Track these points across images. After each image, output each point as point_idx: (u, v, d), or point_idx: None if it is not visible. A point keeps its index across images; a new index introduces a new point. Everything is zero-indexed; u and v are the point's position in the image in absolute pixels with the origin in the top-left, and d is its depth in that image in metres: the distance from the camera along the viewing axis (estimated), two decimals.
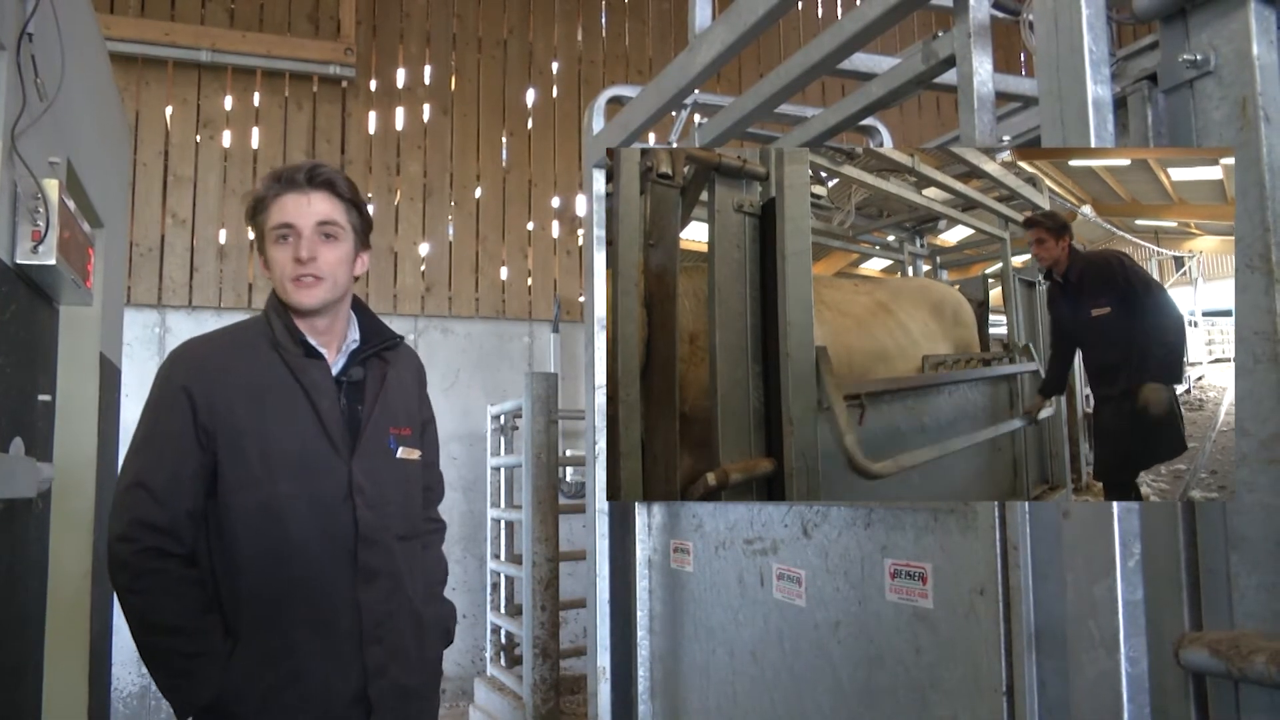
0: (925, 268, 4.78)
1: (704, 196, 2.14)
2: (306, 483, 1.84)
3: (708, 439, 2.05)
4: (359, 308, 2.05)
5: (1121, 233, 6.53)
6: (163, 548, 1.78)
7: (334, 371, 1.94)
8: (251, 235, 1.93)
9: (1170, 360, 2.77)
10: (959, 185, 3.86)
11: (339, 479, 1.86)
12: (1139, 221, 6.57)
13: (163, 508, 1.79)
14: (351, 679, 1.85)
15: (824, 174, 3.32)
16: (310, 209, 1.86)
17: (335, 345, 1.97)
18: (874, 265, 5.87)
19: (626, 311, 1.95)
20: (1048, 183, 4.39)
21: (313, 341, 1.91)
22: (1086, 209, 5.57)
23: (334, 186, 1.90)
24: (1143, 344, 2.78)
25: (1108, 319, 2.86)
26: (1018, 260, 4.44)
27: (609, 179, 2.35)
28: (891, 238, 4.83)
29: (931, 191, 4.03)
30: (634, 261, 1.97)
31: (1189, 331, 9.33)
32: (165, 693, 1.80)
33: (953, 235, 5.50)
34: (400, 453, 1.98)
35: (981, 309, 4.26)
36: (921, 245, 4.90)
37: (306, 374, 1.88)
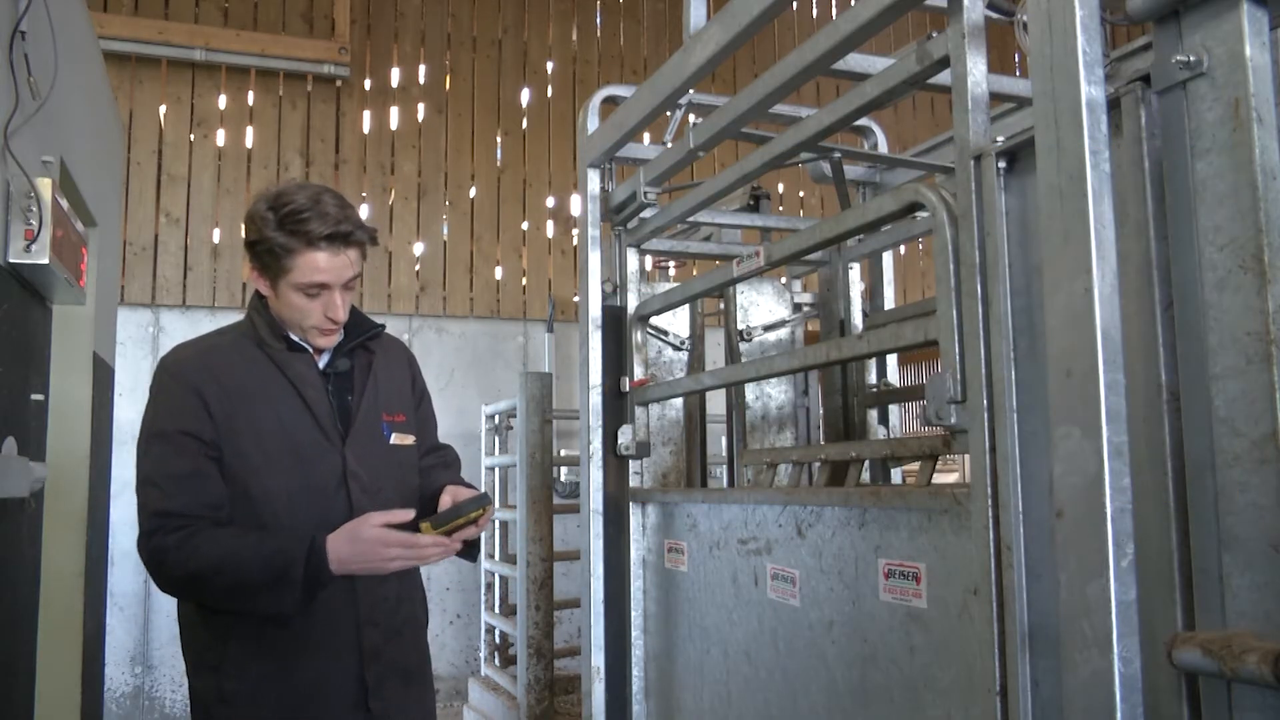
0: None
1: None
2: (301, 472, 1.86)
3: None
4: None
5: None
6: (179, 526, 1.78)
7: (320, 365, 1.97)
8: (247, 242, 1.91)
9: None
10: None
11: (332, 466, 1.88)
12: None
13: (176, 500, 1.79)
14: (348, 662, 1.87)
15: None
16: (344, 270, 1.85)
17: None
18: None
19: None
20: None
21: (294, 336, 1.94)
22: None
23: (363, 246, 1.88)
24: None
25: None
26: None
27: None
28: None
29: None
30: None
31: None
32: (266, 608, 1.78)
33: None
34: (394, 439, 2.00)
35: None
36: None
37: (291, 367, 1.91)
